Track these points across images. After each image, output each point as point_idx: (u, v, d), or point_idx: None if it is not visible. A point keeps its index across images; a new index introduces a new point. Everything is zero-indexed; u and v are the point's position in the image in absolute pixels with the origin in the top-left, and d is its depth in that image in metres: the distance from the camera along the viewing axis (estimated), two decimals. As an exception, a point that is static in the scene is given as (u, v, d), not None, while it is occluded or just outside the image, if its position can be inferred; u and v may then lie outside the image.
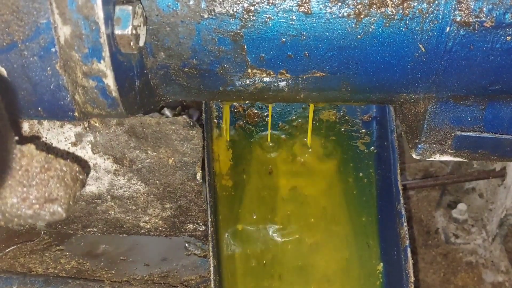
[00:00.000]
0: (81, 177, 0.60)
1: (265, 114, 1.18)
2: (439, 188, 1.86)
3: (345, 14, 0.69)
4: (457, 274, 1.70)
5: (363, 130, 1.17)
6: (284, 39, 0.72)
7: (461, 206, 1.77)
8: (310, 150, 1.17)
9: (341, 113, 1.18)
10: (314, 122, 1.17)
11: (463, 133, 0.86)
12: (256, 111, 1.17)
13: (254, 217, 1.13)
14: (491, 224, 1.72)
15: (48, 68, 0.64)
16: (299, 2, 0.69)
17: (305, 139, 1.17)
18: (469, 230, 1.78)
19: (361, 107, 1.16)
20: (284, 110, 1.18)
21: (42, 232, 1.15)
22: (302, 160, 1.17)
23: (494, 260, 1.71)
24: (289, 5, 0.69)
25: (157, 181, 0.97)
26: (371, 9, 0.69)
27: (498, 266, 1.70)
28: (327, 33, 0.71)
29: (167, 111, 1.12)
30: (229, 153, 1.16)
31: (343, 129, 1.17)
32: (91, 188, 0.98)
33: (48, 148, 0.89)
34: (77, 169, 0.60)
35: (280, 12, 0.69)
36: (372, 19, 0.69)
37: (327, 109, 1.17)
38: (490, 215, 1.72)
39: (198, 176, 0.97)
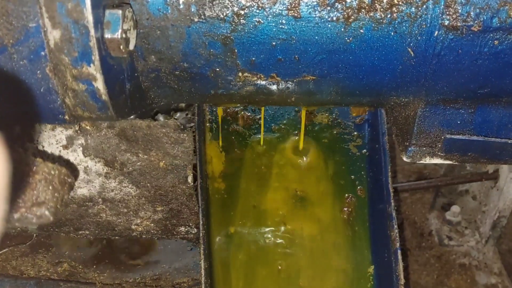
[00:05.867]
0: (69, 180, 0.60)
1: (258, 117, 1.18)
2: (433, 190, 1.86)
3: (334, 18, 0.70)
4: (451, 276, 1.70)
5: (355, 133, 1.17)
6: (274, 43, 0.72)
7: (455, 208, 1.78)
8: (302, 152, 1.17)
9: (334, 116, 1.18)
10: (307, 125, 1.17)
11: (453, 136, 0.86)
12: (248, 114, 1.18)
13: (246, 219, 1.13)
14: (484, 226, 1.72)
15: (38, 72, 0.64)
16: (289, 6, 0.69)
17: (298, 142, 1.17)
18: (463, 232, 1.78)
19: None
20: (277, 113, 1.19)
21: (34, 234, 1.14)
22: (294, 162, 1.17)
23: (487, 262, 1.72)
24: (279, 9, 0.70)
25: (148, 184, 0.97)
26: (360, 13, 0.69)
27: (491, 268, 1.70)
28: (316, 37, 0.71)
29: (161, 117, 1.12)
30: (221, 156, 1.16)
31: (335, 132, 1.18)
32: (83, 191, 0.98)
33: (38, 152, 0.89)
34: (65, 172, 0.60)
35: (270, 16, 0.70)
36: (361, 23, 0.70)
37: (319, 112, 1.18)
38: (483, 217, 1.73)
39: (189, 179, 0.97)
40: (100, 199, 1.00)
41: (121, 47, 0.65)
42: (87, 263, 1.12)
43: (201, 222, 1.01)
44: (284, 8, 0.69)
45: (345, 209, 1.14)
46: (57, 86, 0.66)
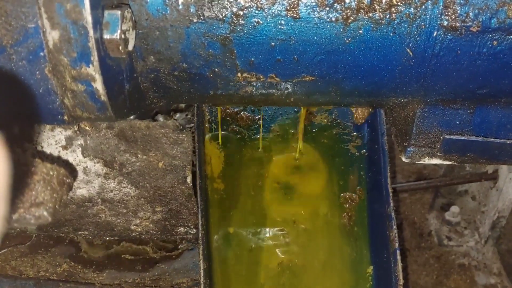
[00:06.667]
0: (68, 180, 0.60)
1: (257, 117, 1.18)
2: (432, 190, 1.87)
3: (333, 18, 0.70)
4: (450, 276, 1.70)
5: (355, 133, 1.17)
6: (273, 44, 0.72)
7: (454, 209, 1.78)
8: (301, 153, 1.17)
9: (333, 116, 1.18)
10: (306, 125, 1.17)
11: (451, 137, 0.86)
12: (248, 114, 1.18)
13: (246, 220, 1.13)
14: (483, 227, 1.72)
15: (37, 72, 0.64)
16: (288, 7, 0.69)
17: (297, 142, 1.17)
18: (462, 233, 1.78)
19: (352, 110, 1.17)
20: (276, 113, 1.19)
21: (34, 235, 1.14)
22: (293, 163, 1.17)
23: (487, 262, 1.72)
24: (278, 10, 0.70)
25: (147, 185, 0.97)
26: (359, 14, 0.69)
27: (491, 268, 1.70)
28: (315, 38, 0.71)
29: (160, 118, 1.13)
30: (221, 156, 1.16)
31: (334, 132, 1.18)
32: (82, 191, 0.98)
33: (37, 152, 0.89)
34: (64, 172, 0.60)
35: (269, 16, 0.70)
36: (360, 23, 0.70)
37: (319, 113, 1.18)
38: (482, 217, 1.73)
39: (189, 179, 0.97)
40: (99, 200, 1.00)
41: (120, 47, 0.65)
42: (86, 264, 1.12)
43: (200, 223, 1.01)
44: (283, 9, 0.69)
45: (344, 209, 1.14)
46: (56, 87, 0.66)
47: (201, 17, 0.70)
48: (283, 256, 1.12)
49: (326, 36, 0.71)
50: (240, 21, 0.70)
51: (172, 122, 0.91)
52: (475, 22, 0.69)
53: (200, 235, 1.00)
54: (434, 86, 0.78)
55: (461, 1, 0.68)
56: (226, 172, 1.15)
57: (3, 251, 1.13)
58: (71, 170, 0.92)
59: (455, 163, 0.91)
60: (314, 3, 0.69)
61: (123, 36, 0.65)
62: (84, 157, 0.94)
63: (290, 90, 0.81)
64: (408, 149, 0.89)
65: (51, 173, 0.58)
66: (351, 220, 1.12)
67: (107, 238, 1.13)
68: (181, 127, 0.92)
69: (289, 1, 0.69)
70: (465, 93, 0.79)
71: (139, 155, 0.94)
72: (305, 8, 0.69)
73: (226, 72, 0.76)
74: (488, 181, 1.65)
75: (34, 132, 0.87)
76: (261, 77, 0.77)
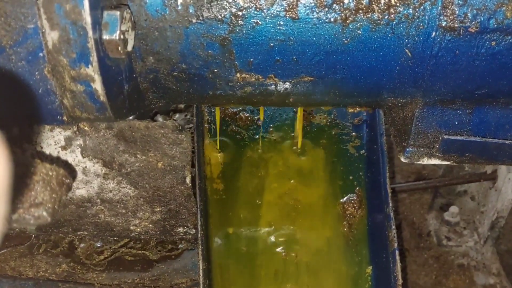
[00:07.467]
0: (67, 181, 0.61)
1: (256, 117, 1.18)
2: (431, 190, 1.87)
3: (332, 19, 0.70)
4: (449, 276, 1.70)
5: (354, 134, 1.17)
6: (272, 44, 0.72)
7: (453, 209, 1.78)
8: (300, 153, 1.17)
9: (332, 117, 1.18)
10: (305, 126, 1.17)
11: (450, 137, 0.87)
12: (247, 114, 1.18)
13: (245, 220, 1.13)
14: (482, 227, 1.73)
15: (36, 73, 0.64)
16: (287, 8, 0.69)
17: (296, 143, 1.17)
18: (461, 233, 1.79)
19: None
20: (275, 114, 1.19)
21: (33, 235, 1.14)
22: (292, 163, 1.17)
23: (486, 262, 1.72)
24: (277, 10, 0.70)
25: (147, 185, 0.97)
26: (357, 14, 0.69)
27: (490, 269, 1.71)
28: (314, 38, 0.72)
29: (160, 118, 1.13)
30: (220, 157, 1.16)
31: (333, 133, 1.18)
32: (81, 191, 0.98)
33: (36, 152, 0.89)
34: (63, 173, 0.60)
35: (268, 17, 0.70)
36: (358, 24, 0.70)
37: (318, 113, 1.18)
38: (481, 217, 1.73)
39: (188, 179, 0.97)
40: (98, 200, 1.00)
41: (119, 48, 0.65)
42: (85, 264, 1.12)
43: (199, 223, 1.01)
44: (282, 9, 0.70)
45: (343, 210, 1.14)
46: (56, 87, 0.66)
47: (200, 18, 0.70)
48: (281, 256, 1.12)
49: (325, 36, 0.71)
50: (239, 21, 0.70)
51: (172, 122, 0.91)
52: (473, 22, 0.69)
53: (199, 235, 1.00)
54: (432, 87, 0.78)
55: (460, 2, 0.68)
56: (225, 172, 1.15)
57: (2, 251, 1.13)
58: (70, 171, 0.92)
59: (454, 164, 0.91)
60: (312, 4, 0.69)
61: (122, 36, 0.65)
62: (83, 157, 0.94)
63: (289, 90, 0.81)
64: (407, 150, 0.89)
65: (51, 173, 0.58)
66: (350, 220, 1.13)
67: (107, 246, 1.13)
68: (180, 128, 0.92)
69: (288, 2, 0.69)
70: (463, 93, 0.79)
71: (138, 156, 0.94)
72: (304, 8, 0.69)
73: (225, 73, 0.76)
74: (487, 181, 1.66)
75: (34, 133, 0.88)
76: (260, 77, 0.77)
